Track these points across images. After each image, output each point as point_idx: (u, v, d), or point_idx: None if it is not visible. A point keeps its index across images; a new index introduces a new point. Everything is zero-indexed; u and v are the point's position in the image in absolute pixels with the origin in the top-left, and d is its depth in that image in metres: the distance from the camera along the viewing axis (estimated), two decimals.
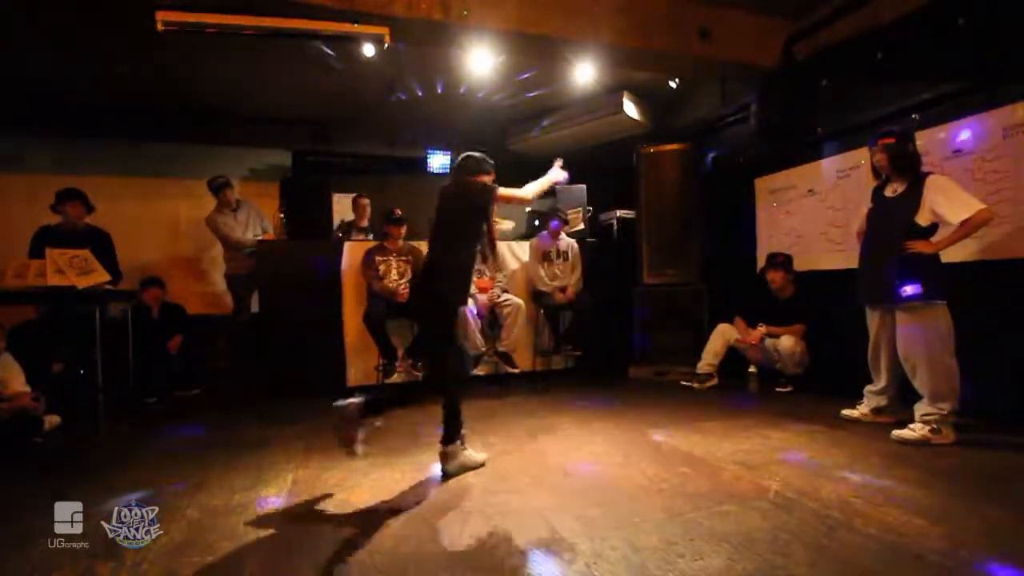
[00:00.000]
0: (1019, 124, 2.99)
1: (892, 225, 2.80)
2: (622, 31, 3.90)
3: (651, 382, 4.54)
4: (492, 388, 4.29)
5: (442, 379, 2.46)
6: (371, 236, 4.94)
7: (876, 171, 2.96)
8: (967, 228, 2.60)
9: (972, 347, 2.75)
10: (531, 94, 5.49)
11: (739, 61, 4.25)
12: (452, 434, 2.37)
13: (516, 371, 4.28)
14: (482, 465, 2.43)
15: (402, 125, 6.37)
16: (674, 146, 4.97)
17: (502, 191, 2.44)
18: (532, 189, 2.57)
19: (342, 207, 5.54)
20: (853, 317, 3.16)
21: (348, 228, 5.10)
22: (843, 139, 4.00)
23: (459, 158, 2.57)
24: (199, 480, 2.31)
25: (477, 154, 2.56)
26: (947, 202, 2.64)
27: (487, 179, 2.49)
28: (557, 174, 2.66)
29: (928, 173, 2.77)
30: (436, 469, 2.42)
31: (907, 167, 2.80)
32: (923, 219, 2.71)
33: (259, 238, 4.68)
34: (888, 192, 2.90)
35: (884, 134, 2.85)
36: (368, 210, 5.18)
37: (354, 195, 5.24)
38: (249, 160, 6.15)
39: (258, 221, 4.90)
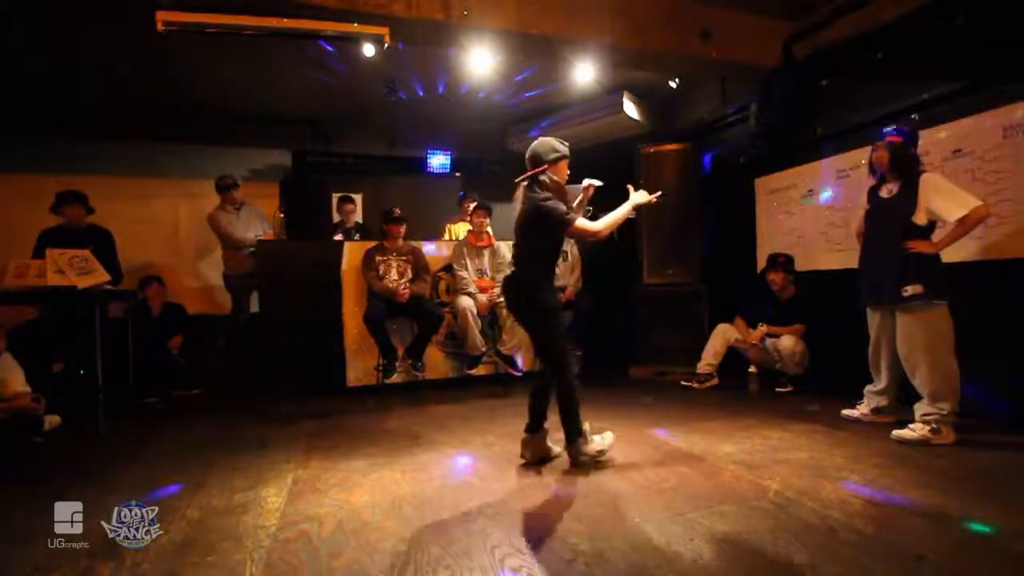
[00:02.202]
0: (1019, 124, 2.99)
1: (890, 226, 2.80)
2: (622, 31, 3.90)
3: (651, 382, 4.54)
4: (493, 388, 4.29)
5: (556, 377, 2.40)
6: (357, 237, 4.94)
7: (872, 167, 2.95)
8: (965, 226, 2.60)
9: (972, 347, 2.75)
10: (531, 94, 5.49)
11: (739, 61, 4.25)
12: (573, 433, 2.35)
13: (519, 375, 4.29)
14: (610, 446, 2.42)
15: (402, 125, 6.37)
16: (674, 146, 4.97)
17: (577, 225, 2.28)
18: (608, 220, 2.37)
19: None
20: (853, 317, 3.16)
21: (334, 228, 5.12)
22: (843, 139, 3.99)
23: (531, 149, 2.39)
24: (199, 480, 2.31)
25: (545, 141, 2.38)
26: (942, 201, 2.64)
27: (551, 168, 2.35)
28: (638, 196, 2.43)
29: (921, 171, 2.77)
30: (436, 469, 2.42)
31: (905, 169, 2.79)
32: (920, 219, 2.71)
33: (259, 238, 4.68)
34: (883, 193, 2.89)
35: (893, 132, 2.84)
36: (353, 216, 5.18)
37: (339, 196, 5.23)
38: (249, 160, 6.14)
39: (259, 223, 4.90)
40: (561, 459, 2.50)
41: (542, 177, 2.34)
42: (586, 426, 2.39)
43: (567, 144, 2.43)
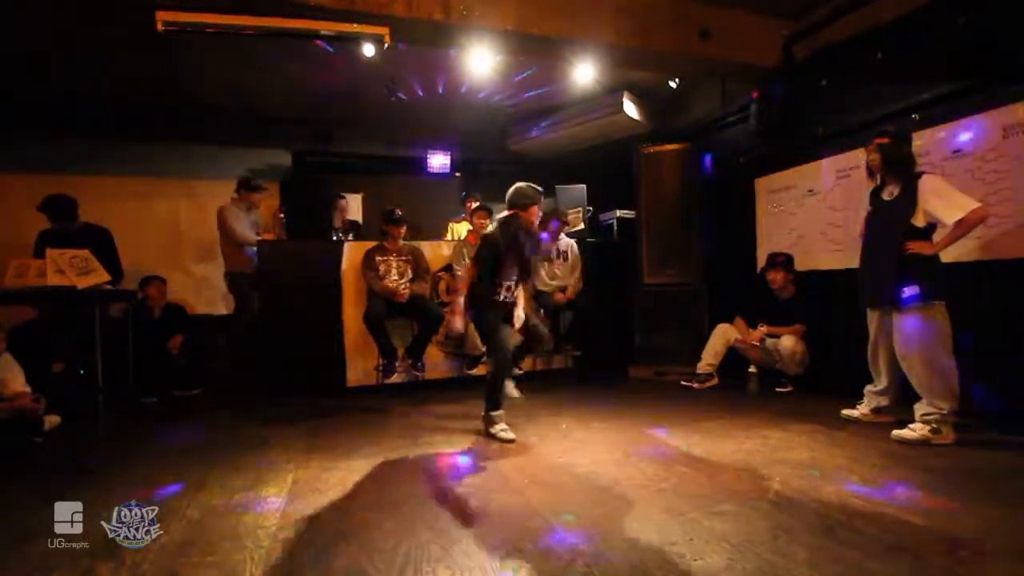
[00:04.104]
0: (1019, 124, 2.99)
1: (890, 228, 2.80)
2: (622, 31, 3.90)
3: (651, 382, 4.54)
4: None
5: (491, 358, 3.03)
6: (348, 236, 4.88)
7: (870, 170, 2.96)
8: (963, 228, 2.60)
9: (972, 347, 2.75)
10: (531, 94, 5.50)
11: (739, 61, 4.25)
12: (488, 405, 2.92)
13: (519, 373, 4.28)
14: (507, 442, 2.78)
15: (402, 125, 6.37)
16: (674, 146, 4.98)
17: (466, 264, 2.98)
18: (482, 273, 2.94)
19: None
20: (853, 317, 3.16)
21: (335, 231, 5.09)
22: (843, 139, 3.99)
23: (509, 193, 2.98)
24: (199, 480, 2.30)
25: (519, 188, 2.95)
26: (940, 202, 2.64)
27: (521, 213, 2.94)
28: (519, 315, 3.08)
29: (921, 173, 2.77)
30: (436, 469, 2.43)
31: (900, 169, 2.80)
32: (919, 220, 2.71)
33: (259, 237, 4.67)
34: (885, 195, 2.90)
35: (880, 133, 2.85)
36: (344, 214, 5.15)
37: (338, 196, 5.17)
38: (249, 160, 6.14)
39: (258, 228, 4.90)
40: (560, 457, 2.51)
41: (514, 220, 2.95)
42: (502, 412, 2.92)
43: (542, 191, 3.00)
